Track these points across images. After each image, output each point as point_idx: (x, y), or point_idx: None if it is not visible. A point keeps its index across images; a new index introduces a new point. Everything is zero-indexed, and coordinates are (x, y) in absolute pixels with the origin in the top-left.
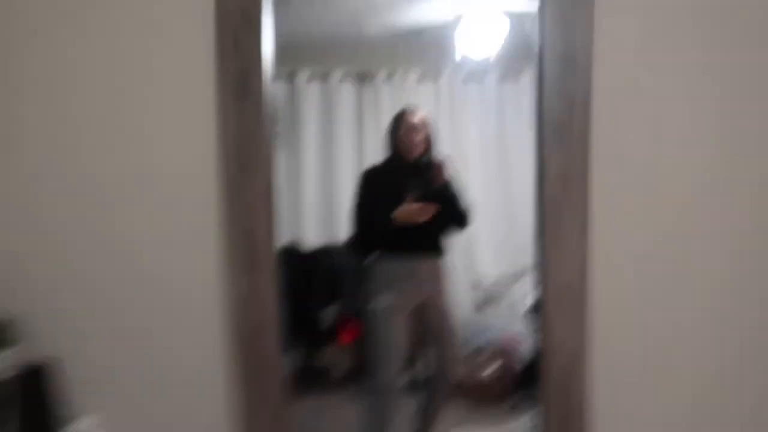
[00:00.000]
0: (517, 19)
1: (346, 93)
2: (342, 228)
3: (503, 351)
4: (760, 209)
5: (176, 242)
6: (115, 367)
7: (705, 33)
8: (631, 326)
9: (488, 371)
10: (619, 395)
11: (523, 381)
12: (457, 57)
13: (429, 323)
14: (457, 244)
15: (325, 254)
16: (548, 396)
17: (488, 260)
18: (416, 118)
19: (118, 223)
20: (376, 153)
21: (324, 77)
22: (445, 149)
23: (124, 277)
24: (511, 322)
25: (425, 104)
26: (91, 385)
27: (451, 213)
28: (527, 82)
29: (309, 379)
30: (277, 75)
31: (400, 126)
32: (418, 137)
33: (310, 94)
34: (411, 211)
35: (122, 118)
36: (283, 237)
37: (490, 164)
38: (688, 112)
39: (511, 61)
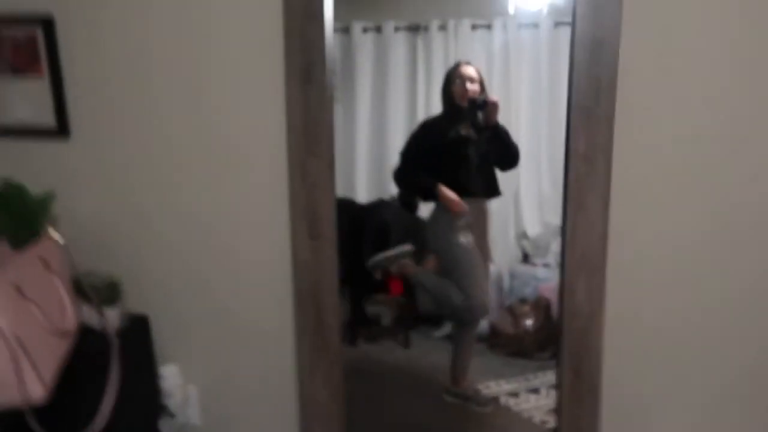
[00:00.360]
0: None
1: (399, 44)
2: (392, 183)
3: (545, 302)
4: None
5: (250, 215)
6: (196, 322)
7: (731, 16)
8: (644, 294)
9: (529, 321)
10: (629, 356)
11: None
12: (510, 9)
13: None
14: (504, 196)
15: (377, 207)
16: (566, 353)
17: (534, 212)
18: (470, 70)
19: (202, 198)
20: (429, 105)
21: (378, 29)
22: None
23: (206, 243)
24: (554, 273)
25: (479, 53)
26: (176, 338)
27: (504, 151)
28: None
29: (361, 326)
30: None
31: (455, 78)
32: (473, 88)
33: (365, 45)
34: (449, 198)
35: (204, 107)
36: (338, 188)
37: (541, 115)
38: (712, 94)
39: (565, 6)
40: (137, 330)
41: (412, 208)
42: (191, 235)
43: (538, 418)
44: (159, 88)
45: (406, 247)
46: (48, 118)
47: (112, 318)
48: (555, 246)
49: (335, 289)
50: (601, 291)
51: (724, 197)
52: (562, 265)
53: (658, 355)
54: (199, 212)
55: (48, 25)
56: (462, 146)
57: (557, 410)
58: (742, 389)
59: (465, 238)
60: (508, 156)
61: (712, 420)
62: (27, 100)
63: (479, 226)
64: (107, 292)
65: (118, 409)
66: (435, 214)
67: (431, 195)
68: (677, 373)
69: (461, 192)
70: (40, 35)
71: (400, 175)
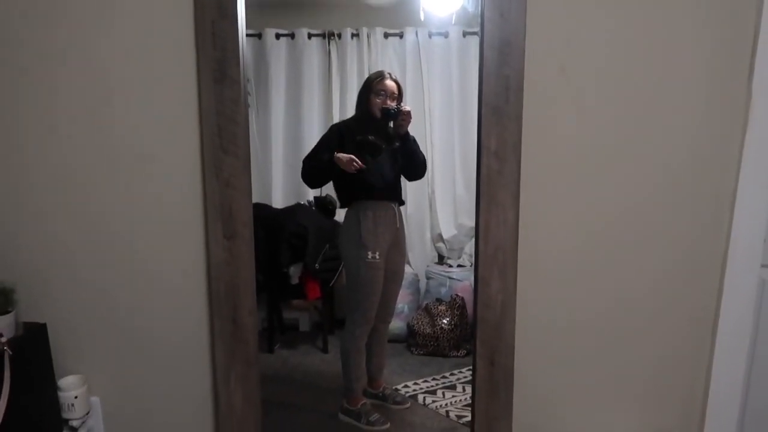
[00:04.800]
0: None
1: (313, 50)
2: (309, 189)
3: (460, 301)
4: (671, 183)
5: (162, 216)
6: (100, 330)
7: (627, 19)
8: (553, 282)
9: (445, 321)
10: (540, 344)
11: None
12: (421, 15)
13: (391, 263)
14: (419, 199)
15: (294, 212)
16: (480, 343)
17: (449, 214)
18: (393, 86)
19: (107, 199)
20: (344, 111)
21: (291, 35)
22: (409, 104)
23: (111, 247)
24: (468, 274)
25: (392, 60)
26: (77, 347)
27: (412, 161)
28: None
29: (279, 333)
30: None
31: (378, 90)
32: (392, 104)
33: (279, 51)
34: (345, 159)
35: (112, 104)
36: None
37: (453, 121)
38: (611, 96)
39: (473, 16)
40: (33, 339)
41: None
42: (94, 237)
43: (454, 413)
44: (62, 85)
45: None
46: None
47: (5, 326)
48: (469, 247)
49: (252, 289)
50: (514, 282)
51: (626, 192)
52: (476, 259)
53: (566, 344)
54: (104, 213)
55: None
56: (369, 151)
57: (472, 398)
58: (641, 372)
59: (372, 254)
60: (416, 167)
61: (615, 404)
62: None
63: (390, 230)
64: None
65: (12, 422)
66: (344, 224)
67: (330, 168)
68: (583, 360)
69: (367, 195)
70: None
71: (305, 161)
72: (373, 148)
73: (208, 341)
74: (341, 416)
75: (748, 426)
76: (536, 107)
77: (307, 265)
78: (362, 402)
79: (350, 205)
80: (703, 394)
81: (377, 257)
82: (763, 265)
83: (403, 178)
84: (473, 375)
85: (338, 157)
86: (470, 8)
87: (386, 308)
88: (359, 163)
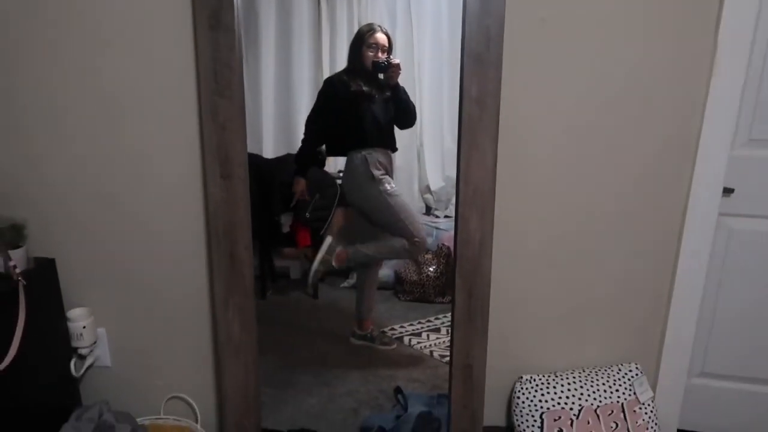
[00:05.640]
0: None
1: (303, 2)
2: (299, 139)
3: (446, 251)
4: (641, 121)
5: (161, 157)
6: (105, 264)
7: None
8: (527, 221)
9: (431, 269)
10: (514, 275)
11: None
12: None
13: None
14: (407, 151)
15: (285, 162)
16: (460, 276)
17: (436, 166)
18: (384, 39)
19: (106, 141)
20: (334, 62)
21: None
22: (399, 57)
23: (113, 186)
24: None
25: (382, 12)
26: (84, 281)
27: (403, 110)
28: None
29: (271, 280)
30: None
31: (369, 43)
32: (383, 57)
33: (269, 2)
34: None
35: (107, 51)
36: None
37: (443, 73)
38: (589, 45)
39: None
40: (43, 273)
41: (316, 159)
42: (97, 178)
43: (437, 353)
44: (55, 33)
45: (328, 241)
46: None
47: (18, 259)
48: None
49: (248, 226)
50: (491, 220)
51: (598, 131)
52: (457, 198)
53: (537, 277)
54: (103, 156)
55: None
56: (364, 101)
57: (451, 326)
58: (605, 302)
59: (389, 185)
60: (407, 115)
61: (580, 332)
62: None
63: (389, 174)
64: (11, 235)
65: (26, 350)
66: (350, 168)
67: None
68: (553, 292)
69: (365, 143)
70: None
71: (308, 123)
72: (366, 98)
73: (206, 275)
74: (353, 340)
75: (701, 352)
76: (515, 56)
77: (298, 214)
78: (372, 327)
79: (348, 153)
80: (663, 324)
81: (395, 187)
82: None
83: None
84: (452, 305)
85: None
86: None
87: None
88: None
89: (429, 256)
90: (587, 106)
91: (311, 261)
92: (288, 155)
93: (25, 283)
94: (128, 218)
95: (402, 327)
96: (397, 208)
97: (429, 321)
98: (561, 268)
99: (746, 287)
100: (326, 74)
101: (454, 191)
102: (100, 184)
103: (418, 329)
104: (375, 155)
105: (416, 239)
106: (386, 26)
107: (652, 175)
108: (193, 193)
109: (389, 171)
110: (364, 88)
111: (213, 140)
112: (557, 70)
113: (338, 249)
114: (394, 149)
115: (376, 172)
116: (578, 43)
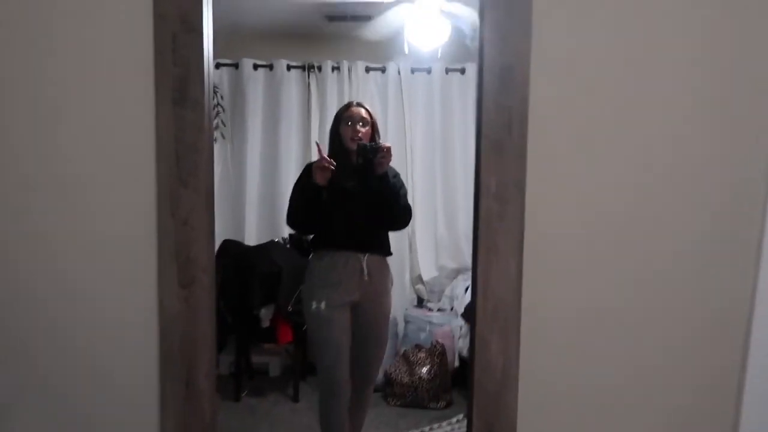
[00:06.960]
0: (457, 18)
1: (292, 83)
2: (284, 225)
3: (440, 348)
4: (686, 222)
5: (105, 259)
6: (22, 403)
7: (637, 39)
8: (562, 345)
9: (425, 369)
10: (544, 416)
11: (456, 380)
12: (406, 49)
13: (363, 321)
14: (398, 240)
15: (267, 249)
16: (477, 411)
17: (430, 255)
18: (362, 111)
19: (50, 233)
20: (323, 142)
21: (270, 66)
22: (390, 141)
23: (54, 291)
24: (449, 318)
25: (373, 95)
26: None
27: (394, 203)
28: (472, 72)
29: (247, 378)
30: (223, 63)
31: (346, 119)
32: (363, 130)
33: (256, 83)
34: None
35: (59, 126)
36: (225, 230)
37: (435, 158)
38: (619, 127)
39: (457, 54)
40: None
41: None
42: (40, 275)
43: None
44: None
45: None
46: None
47: None
48: (449, 290)
49: (211, 347)
50: (517, 344)
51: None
52: (473, 316)
53: (572, 414)
54: (51, 250)
55: None
56: (344, 200)
57: None
58: None
59: (316, 301)
60: (393, 213)
61: None
62: None
63: (352, 283)
64: None
65: None
66: (309, 267)
67: (317, 190)
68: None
69: (327, 243)
70: None
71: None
72: (347, 197)
73: (157, 411)
74: None
75: None
76: (543, 141)
77: (280, 307)
78: None
79: (316, 252)
80: None
81: (322, 307)
82: None
83: None
84: None
85: (315, 167)
86: (467, 41)
87: (363, 374)
88: (329, 162)
89: (422, 354)
90: (633, 206)
91: (293, 358)
92: (271, 243)
93: None
94: (57, 343)
95: None
96: (322, 340)
97: None
98: (601, 407)
99: None
100: (315, 156)
101: (447, 281)
102: (38, 284)
103: None
104: (335, 261)
105: (337, 394)
106: (377, 109)
107: (709, 296)
108: (145, 305)
109: (353, 281)
110: (347, 186)
111: (171, 238)
112: (592, 157)
113: None
114: (374, 252)
115: (313, 286)
116: (612, 116)
